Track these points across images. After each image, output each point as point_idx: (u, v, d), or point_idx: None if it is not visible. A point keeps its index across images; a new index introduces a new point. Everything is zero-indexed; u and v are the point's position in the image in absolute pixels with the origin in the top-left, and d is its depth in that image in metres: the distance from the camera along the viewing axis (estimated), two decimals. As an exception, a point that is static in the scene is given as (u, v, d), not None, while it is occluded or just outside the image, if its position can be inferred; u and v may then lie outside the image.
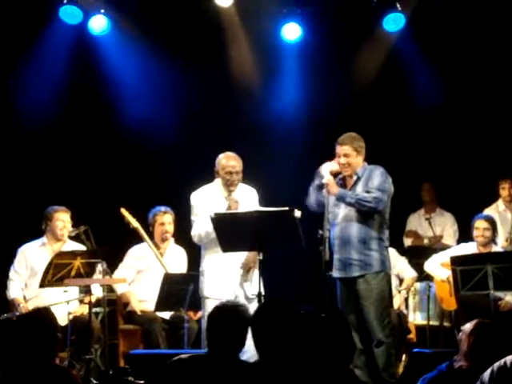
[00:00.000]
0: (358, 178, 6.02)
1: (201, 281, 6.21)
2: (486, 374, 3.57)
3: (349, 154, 5.99)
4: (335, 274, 6.03)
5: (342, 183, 6.11)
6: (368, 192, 5.93)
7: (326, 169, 6.00)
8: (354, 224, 5.96)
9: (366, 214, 5.92)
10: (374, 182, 5.95)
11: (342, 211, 6.02)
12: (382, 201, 5.90)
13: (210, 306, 5.84)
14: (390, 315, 6.20)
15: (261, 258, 5.72)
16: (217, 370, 3.75)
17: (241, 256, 6.10)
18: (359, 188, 5.99)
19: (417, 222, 8.85)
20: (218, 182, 6.26)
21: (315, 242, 5.80)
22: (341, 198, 5.98)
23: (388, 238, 6.08)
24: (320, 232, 5.78)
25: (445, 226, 8.77)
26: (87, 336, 6.41)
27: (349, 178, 6.08)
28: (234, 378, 3.70)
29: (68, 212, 6.97)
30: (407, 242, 8.75)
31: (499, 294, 6.90)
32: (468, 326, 4.20)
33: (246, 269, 6.12)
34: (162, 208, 7.26)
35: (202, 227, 6.09)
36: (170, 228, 7.23)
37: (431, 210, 8.85)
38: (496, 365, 3.56)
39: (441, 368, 4.16)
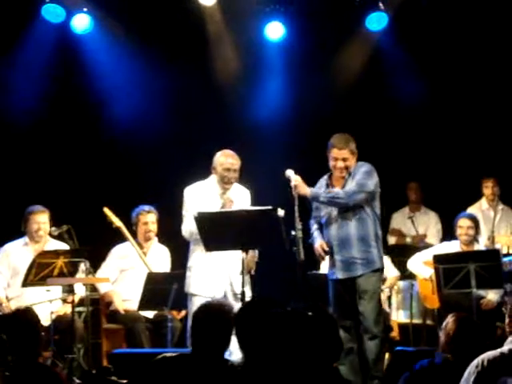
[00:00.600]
0: (349, 177, 5.99)
1: (187, 276, 6.17)
2: (467, 371, 3.60)
3: (347, 157, 5.96)
4: (338, 275, 5.96)
5: (329, 183, 6.09)
6: None
7: (291, 171, 5.92)
8: (350, 223, 5.93)
9: (341, 209, 5.90)
10: (355, 179, 5.96)
11: (335, 211, 5.98)
12: (353, 194, 5.86)
13: (196, 303, 5.83)
14: (383, 312, 6.24)
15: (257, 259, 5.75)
16: (201, 370, 3.73)
17: (229, 254, 6.03)
18: (348, 186, 5.98)
19: (400, 220, 8.87)
20: (213, 178, 6.23)
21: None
22: (314, 199, 5.96)
23: (381, 234, 6.10)
24: (293, 233, 5.73)
25: (429, 224, 8.79)
26: (70, 335, 6.37)
27: (340, 178, 6.05)
28: (218, 378, 3.69)
29: (45, 212, 6.92)
30: (391, 240, 8.77)
31: (481, 292, 6.94)
32: (445, 321, 4.29)
33: (248, 270, 5.97)
34: (146, 207, 7.24)
35: (192, 224, 6.01)
36: (154, 227, 7.21)
37: (416, 208, 8.87)
38: (474, 363, 3.59)
39: (422, 363, 4.19)
